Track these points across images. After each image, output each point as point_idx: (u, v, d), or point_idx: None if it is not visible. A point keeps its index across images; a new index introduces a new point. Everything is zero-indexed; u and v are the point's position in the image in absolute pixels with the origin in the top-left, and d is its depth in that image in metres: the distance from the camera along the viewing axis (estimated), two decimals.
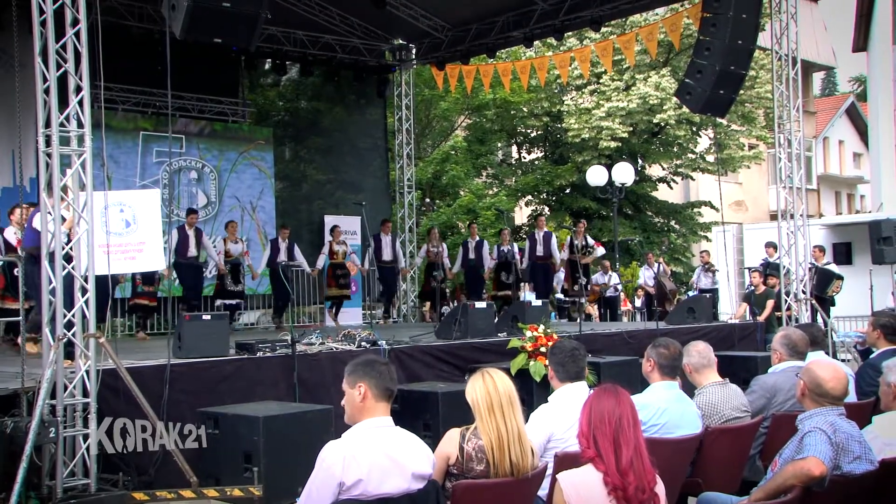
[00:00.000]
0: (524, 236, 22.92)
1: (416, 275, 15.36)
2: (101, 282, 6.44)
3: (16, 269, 8.29)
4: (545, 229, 13.96)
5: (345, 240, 13.28)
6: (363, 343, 7.98)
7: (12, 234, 8.92)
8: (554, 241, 13.87)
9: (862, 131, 36.75)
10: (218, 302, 12.26)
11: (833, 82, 50.52)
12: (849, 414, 3.98)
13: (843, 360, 9.88)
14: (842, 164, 37.18)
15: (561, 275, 14.82)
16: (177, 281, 11.89)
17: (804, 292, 11.77)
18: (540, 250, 13.65)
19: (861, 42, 19.32)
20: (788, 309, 11.71)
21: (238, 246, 12.16)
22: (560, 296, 15.60)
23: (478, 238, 14.19)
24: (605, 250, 15.53)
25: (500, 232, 14.06)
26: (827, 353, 6.33)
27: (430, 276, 13.71)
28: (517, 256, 13.72)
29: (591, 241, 13.84)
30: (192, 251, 11.46)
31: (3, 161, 11.85)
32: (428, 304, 16.96)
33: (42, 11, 6.10)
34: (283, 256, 12.38)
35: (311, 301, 14.64)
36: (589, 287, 14.25)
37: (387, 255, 13.65)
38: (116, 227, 6.91)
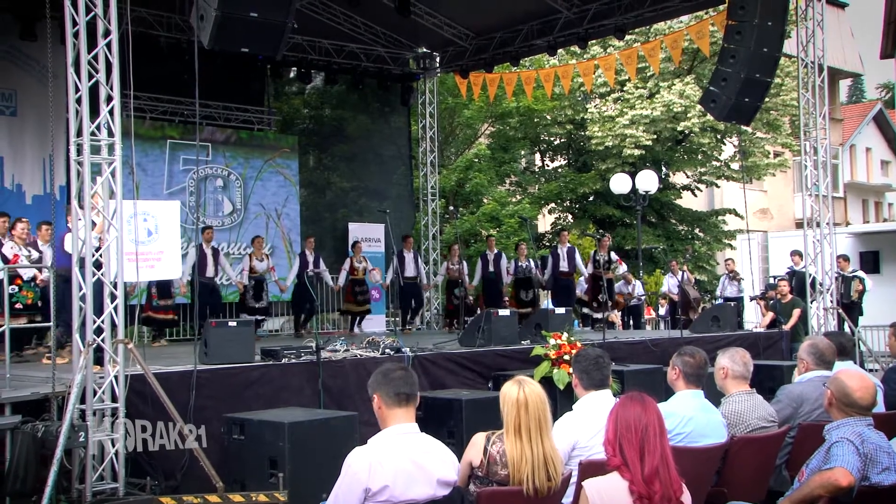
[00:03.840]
0: (547, 244, 22.89)
1: (440, 289, 15.38)
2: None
3: (10, 287, 8.30)
4: (568, 244, 13.91)
5: (364, 256, 13.39)
6: (387, 350, 8.02)
7: (9, 250, 8.74)
8: (578, 256, 13.82)
9: (890, 139, 36.34)
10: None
11: (860, 89, 50.00)
12: (877, 424, 3.94)
13: (870, 371, 9.77)
14: (869, 171, 36.76)
15: (583, 285, 14.76)
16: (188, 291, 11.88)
17: (831, 301, 11.66)
18: (564, 266, 13.60)
19: (889, 48, 19.09)
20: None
21: (263, 263, 12.14)
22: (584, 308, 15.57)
23: (496, 251, 14.21)
24: (626, 267, 15.66)
25: (517, 247, 14.04)
26: (855, 363, 6.27)
27: (451, 294, 13.77)
28: (535, 271, 13.70)
29: (614, 256, 13.79)
30: (210, 271, 11.44)
31: (34, 169, 12.04)
32: None
33: (75, 23, 6.23)
34: (310, 268, 12.50)
35: (335, 308, 14.72)
36: (611, 303, 14.23)
37: (409, 272, 13.75)
38: (140, 235, 7.02)
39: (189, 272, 11.09)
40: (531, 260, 14.02)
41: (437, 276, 14.49)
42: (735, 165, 23.54)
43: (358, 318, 13.41)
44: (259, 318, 12.16)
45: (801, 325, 12.11)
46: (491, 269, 13.85)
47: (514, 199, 22.62)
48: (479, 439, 3.80)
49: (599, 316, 13.83)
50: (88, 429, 5.81)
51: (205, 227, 12.11)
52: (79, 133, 6.24)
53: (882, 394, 5.26)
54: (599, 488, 3.28)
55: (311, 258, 12.62)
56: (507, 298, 14.20)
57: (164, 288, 10.96)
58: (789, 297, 12.82)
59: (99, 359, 6.19)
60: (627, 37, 15.49)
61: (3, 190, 11.84)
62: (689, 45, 16.60)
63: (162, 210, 7.68)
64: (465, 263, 14.22)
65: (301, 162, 15.48)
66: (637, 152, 21.18)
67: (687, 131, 21.79)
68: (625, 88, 21.56)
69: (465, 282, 13.75)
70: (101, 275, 6.21)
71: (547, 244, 23.14)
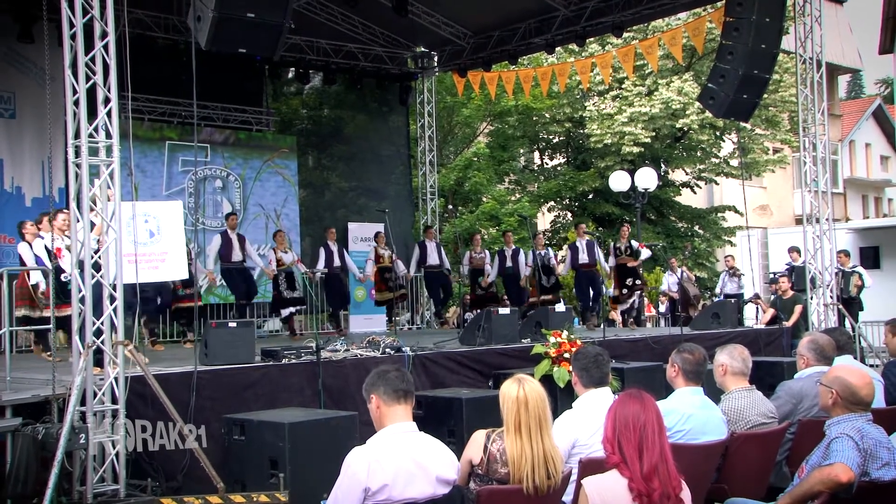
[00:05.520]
0: (547, 242, 22.86)
1: (461, 283, 15.30)
2: (129, 289, 6.53)
3: (62, 276, 8.16)
4: (587, 238, 13.90)
5: (388, 245, 13.24)
6: (387, 350, 8.01)
7: (50, 242, 8.47)
8: (597, 248, 13.79)
9: (889, 134, 36.32)
10: (287, 310, 11.95)
11: (859, 84, 49.99)
12: (876, 419, 3.95)
13: (871, 366, 9.76)
14: (868, 167, 36.75)
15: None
16: (219, 282, 11.76)
17: (831, 297, 11.66)
18: (583, 258, 13.55)
19: (888, 44, 19.08)
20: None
21: (289, 255, 12.03)
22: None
23: (514, 247, 14.13)
24: (650, 252, 15.07)
25: (535, 237, 14.05)
26: (855, 358, 6.27)
27: (475, 283, 13.74)
28: (553, 262, 13.70)
29: (634, 244, 13.74)
30: (237, 255, 11.31)
31: (33, 172, 12.05)
32: (452, 310, 16.88)
33: (72, 25, 6.21)
34: (337, 260, 12.52)
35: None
36: (640, 284, 14.06)
37: (433, 261, 13.77)
38: (141, 236, 7.00)
39: (215, 259, 11.11)
40: (549, 249, 14.01)
41: (464, 267, 14.39)
42: (734, 162, 23.54)
43: (395, 306, 13.29)
44: (298, 308, 12.05)
45: (803, 322, 12.11)
46: (509, 264, 13.75)
47: (513, 198, 22.64)
48: (479, 437, 3.80)
49: (626, 307, 13.76)
50: (89, 430, 5.80)
51: (228, 213, 12.24)
52: (77, 135, 6.22)
53: (882, 389, 5.26)
54: (599, 486, 3.28)
55: (334, 249, 12.61)
56: (531, 288, 13.88)
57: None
58: (790, 293, 12.82)
59: (99, 360, 6.19)
60: (626, 34, 15.52)
61: (3, 192, 11.85)
62: (687, 41, 16.60)
63: (164, 211, 7.65)
64: (487, 252, 14.19)
65: (300, 162, 15.46)
66: (636, 150, 21.18)
67: (686, 128, 21.79)
68: (623, 86, 21.56)
69: (487, 271, 13.72)
70: (101, 276, 6.21)
71: (547, 242, 23.11)
